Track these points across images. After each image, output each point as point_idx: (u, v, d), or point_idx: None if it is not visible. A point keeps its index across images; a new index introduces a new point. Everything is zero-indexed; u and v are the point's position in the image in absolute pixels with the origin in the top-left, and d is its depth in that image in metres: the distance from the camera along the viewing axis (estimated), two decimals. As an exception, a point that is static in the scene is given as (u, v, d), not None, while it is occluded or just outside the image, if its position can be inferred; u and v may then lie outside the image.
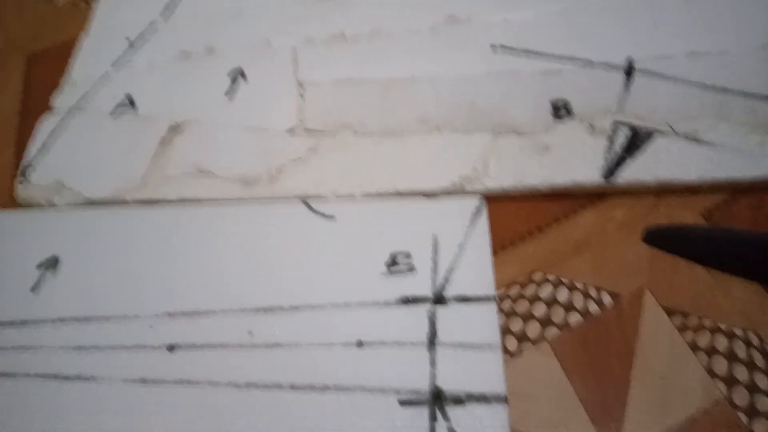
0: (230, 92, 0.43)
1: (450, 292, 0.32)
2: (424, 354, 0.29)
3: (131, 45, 0.47)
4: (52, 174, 0.40)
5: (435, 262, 0.33)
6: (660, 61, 0.40)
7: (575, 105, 0.39)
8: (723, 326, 0.31)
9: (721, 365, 0.29)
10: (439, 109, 0.40)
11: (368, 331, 0.30)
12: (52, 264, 0.35)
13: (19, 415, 0.30)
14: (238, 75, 0.43)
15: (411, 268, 0.32)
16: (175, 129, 0.41)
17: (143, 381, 0.30)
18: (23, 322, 0.33)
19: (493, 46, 0.42)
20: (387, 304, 0.31)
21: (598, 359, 0.30)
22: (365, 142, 0.39)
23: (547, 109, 0.39)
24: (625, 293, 0.32)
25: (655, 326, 0.31)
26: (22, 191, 0.39)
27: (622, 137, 0.37)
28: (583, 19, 0.42)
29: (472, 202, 0.35)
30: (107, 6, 0.51)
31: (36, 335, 0.32)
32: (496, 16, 0.44)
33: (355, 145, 0.39)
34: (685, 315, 0.31)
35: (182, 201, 0.38)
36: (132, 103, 0.43)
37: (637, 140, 0.37)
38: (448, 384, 0.29)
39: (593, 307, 0.32)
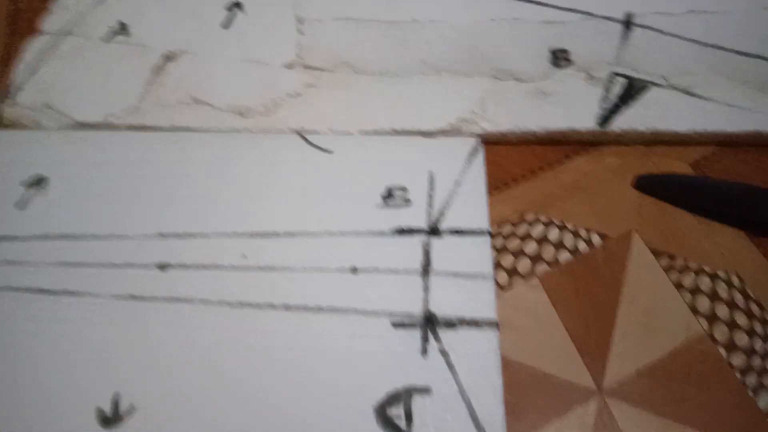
0: (226, 23, 0.42)
1: (445, 225, 0.32)
2: (417, 281, 0.30)
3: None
4: (41, 96, 0.39)
5: (431, 197, 0.33)
6: (659, 16, 0.40)
7: (574, 54, 0.39)
8: (707, 268, 0.32)
9: (703, 303, 0.30)
10: (440, 51, 0.40)
11: (362, 258, 0.31)
12: (39, 183, 0.34)
13: (2, 328, 0.29)
14: (235, 8, 0.43)
15: (407, 201, 0.33)
16: (169, 57, 0.40)
17: (133, 297, 0.30)
18: (8, 238, 0.32)
19: (495, -6, 0.42)
20: (382, 233, 0.32)
21: (585, 295, 0.31)
22: (364, 80, 0.39)
23: (547, 57, 0.39)
24: (614, 234, 0.33)
25: (641, 266, 0.32)
26: (8, 112, 0.38)
27: (617, 87, 0.38)
28: (585, -30, 0.42)
29: (469, 142, 0.36)
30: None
31: (22, 250, 0.32)
32: (500, -35, 0.44)
33: (353, 83, 0.39)
34: (671, 257, 0.32)
35: (174, 129, 0.37)
36: (125, 29, 0.42)
37: (632, 91, 0.37)
38: (441, 309, 0.29)
39: (582, 246, 0.33)
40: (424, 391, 0.27)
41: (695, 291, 0.31)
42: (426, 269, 0.30)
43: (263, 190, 0.34)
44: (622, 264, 0.32)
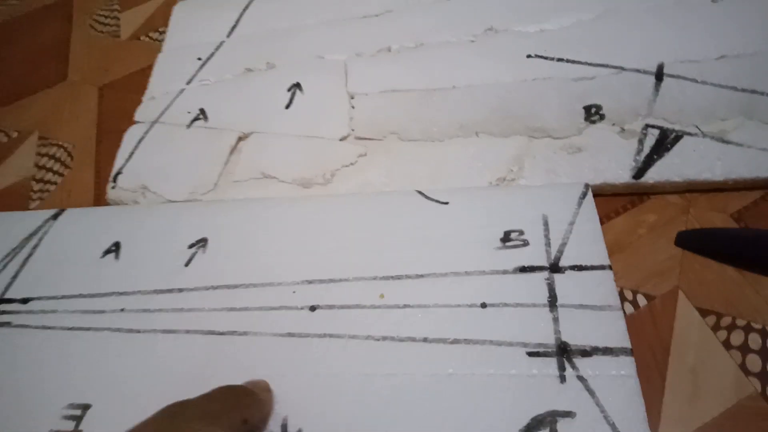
0: (289, 104, 0.48)
1: (564, 262, 0.34)
2: (546, 314, 0.32)
3: (203, 64, 0.53)
4: (137, 179, 0.46)
5: (547, 238, 0.36)
6: (690, 65, 0.41)
7: (606, 109, 0.42)
8: (756, 324, 0.32)
9: (754, 362, 0.31)
10: (477, 115, 0.43)
11: (490, 295, 0.34)
12: (202, 244, 0.40)
13: (181, 363, 0.35)
14: (295, 88, 0.48)
15: (525, 243, 0.36)
16: (241, 138, 0.46)
17: (290, 335, 0.34)
18: (180, 290, 0.38)
19: (528, 55, 0.45)
20: (505, 272, 0.35)
21: (635, 358, 0.32)
22: (409, 146, 0.43)
23: (580, 113, 0.42)
24: (659, 294, 0.34)
25: (688, 325, 0.33)
26: (111, 194, 0.46)
27: (651, 139, 0.40)
28: (614, 27, 0.45)
29: (578, 187, 0.38)
30: (178, 29, 0.57)
31: (191, 300, 0.37)
32: (532, 27, 0.47)
33: (399, 150, 0.43)
34: (718, 315, 0.33)
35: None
36: (205, 115, 0.49)
37: (665, 141, 0.39)
38: (573, 338, 0.31)
39: (629, 308, 0.34)
40: (567, 415, 0.29)
41: (745, 349, 0.32)
42: (553, 303, 0.33)
43: (391, 239, 0.38)
44: (669, 324, 0.33)
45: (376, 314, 0.34)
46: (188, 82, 0.52)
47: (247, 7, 0.57)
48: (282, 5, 0.56)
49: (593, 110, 0.42)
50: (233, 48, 0.54)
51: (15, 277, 0.41)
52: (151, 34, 0.63)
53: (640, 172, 0.38)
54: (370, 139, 0.44)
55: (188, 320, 0.36)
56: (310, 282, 0.36)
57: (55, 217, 0.45)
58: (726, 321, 0.33)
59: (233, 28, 0.55)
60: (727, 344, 0.32)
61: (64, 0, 0.74)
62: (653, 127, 0.40)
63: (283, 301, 0.36)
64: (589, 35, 0.45)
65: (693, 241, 0.36)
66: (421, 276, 0.35)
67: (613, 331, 0.31)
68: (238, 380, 0.32)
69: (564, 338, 0.31)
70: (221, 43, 0.54)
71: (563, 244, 0.35)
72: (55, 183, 0.51)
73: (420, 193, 0.40)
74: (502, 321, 0.33)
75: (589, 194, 0.37)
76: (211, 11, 0.58)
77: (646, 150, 0.39)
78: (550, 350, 0.31)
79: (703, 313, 0.33)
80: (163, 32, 0.61)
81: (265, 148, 0.45)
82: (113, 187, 0.46)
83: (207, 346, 0.35)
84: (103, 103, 0.57)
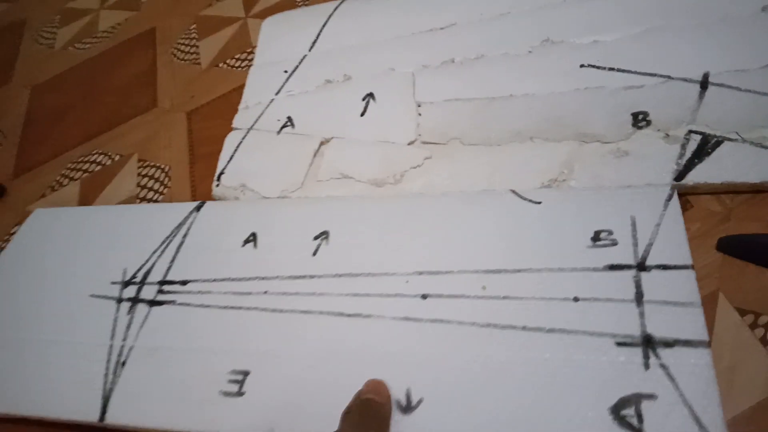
0: (364, 112, 0.54)
1: (651, 261, 0.38)
2: (633, 309, 0.37)
3: (288, 76, 0.61)
4: (237, 178, 0.54)
5: (635, 238, 0.39)
6: (735, 74, 0.44)
7: (653, 115, 0.45)
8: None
9: None
10: (532, 122, 0.48)
11: (582, 290, 0.38)
12: (325, 236, 0.47)
13: (319, 340, 0.41)
14: (369, 98, 0.55)
15: (614, 243, 0.40)
16: (323, 143, 0.54)
17: (406, 319, 0.41)
18: (311, 276, 0.45)
19: (582, 65, 0.50)
20: (595, 269, 0.39)
21: None
22: (469, 150, 0.49)
23: (628, 119, 0.46)
24: (701, 295, 0.36)
25: (727, 325, 0.36)
26: (216, 191, 0.54)
27: (693, 144, 0.43)
28: (663, 39, 0.48)
29: (664, 190, 0.41)
30: (267, 45, 0.65)
31: (321, 285, 0.44)
32: (587, 39, 0.51)
33: (461, 154, 0.49)
34: (756, 314, 0.36)
35: (329, 198, 0.50)
36: (292, 122, 0.56)
37: (706, 146, 0.43)
38: (657, 331, 0.35)
39: None
40: (650, 397, 0.33)
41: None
42: (639, 298, 0.37)
43: (489, 236, 0.43)
44: (710, 324, 0.36)
45: (479, 304, 0.39)
46: (277, 93, 0.60)
47: (326, 23, 0.64)
48: (356, 22, 0.62)
49: (640, 117, 0.46)
50: (314, 62, 0.61)
51: (173, 261, 0.50)
52: (228, 61, 0.71)
53: (681, 175, 0.42)
54: (435, 143, 0.50)
55: (321, 303, 0.43)
56: (420, 273, 0.42)
57: (198, 208, 0.53)
58: (764, 319, 0.36)
59: (314, 42, 0.63)
60: (764, 341, 0.35)
61: (148, 31, 0.84)
62: (696, 132, 0.44)
63: (398, 289, 0.42)
64: (640, 47, 0.49)
65: (733, 247, 0.39)
66: (519, 271, 0.40)
67: (693, 325, 0.35)
68: (366, 356, 0.39)
69: (649, 330, 0.35)
70: (304, 57, 0.62)
71: (650, 244, 0.39)
72: (157, 201, 0.60)
73: (514, 192, 0.44)
74: (593, 314, 0.37)
75: (675, 197, 0.41)
76: (295, 27, 0.65)
77: (688, 154, 0.43)
78: (636, 341, 0.35)
79: (742, 312, 0.36)
80: (239, 58, 0.69)
81: (344, 152, 0.52)
82: (217, 185, 0.55)
83: (338, 325, 0.42)
84: (192, 128, 0.65)
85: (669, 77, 0.46)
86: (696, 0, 0.49)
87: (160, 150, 0.65)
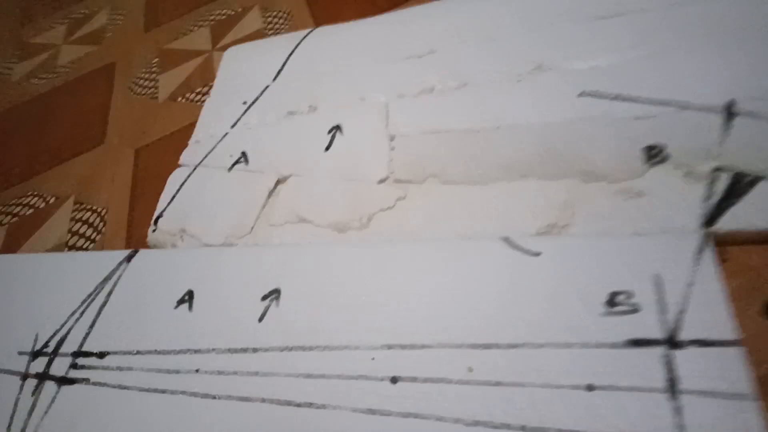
0: (329, 146, 0.47)
1: (685, 335, 0.29)
2: (664, 402, 0.27)
3: (247, 108, 0.53)
4: (177, 222, 0.46)
5: (662, 303, 0.31)
6: (765, 101, 0.37)
7: (670, 150, 0.38)
8: None
9: None
10: (523, 156, 0.41)
11: (597, 374, 0.29)
12: (275, 296, 0.38)
13: None
14: (336, 130, 0.47)
15: (635, 309, 0.31)
16: (280, 181, 0.46)
17: (371, 411, 0.31)
18: (254, 350, 0.36)
19: (581, 94, 0.43)
20: (614, 345, 0.30)
21: None
22: (449, 189, 0.41)
23: (639, 154, 0.38)
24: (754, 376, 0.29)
25: None
26: (152, 237, 0.46)
27: (722, 183, 0.35)
28: (673, 61, 0.41)
29: (694, 238, 0.33)
30: (227, 75, 0.58)
31: (266, 362, 0.35)
32: (584, 64, 0.44)
33: (440, 194, 0.41)
34: None
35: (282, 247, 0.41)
36: (246, 158, 0.48)
37: (739, 186, 0.35)
38: None
39: None
40: None
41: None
42: (672, 387, 0.28)
43: (475, 298, 0.34)
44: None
45: (464, 391, 0.30)
46: (233, 126, 0.52)
47: (294, 50, 0.57)
48: (327, 48, 0.56)
49: (654, 151, 0.38)
50: (278, 92, 0.54)
51: (92, 325, 0.41)
52: (188, 95, 0.64)
53: (710, 220, 0.34)
54: (409, 181, 0.42)
55: (264, 386, 0.34)
56: (389, 347, 0.33)
57: (129, 258, 0.45)
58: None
59: (279, 71, 0.56)
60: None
61: (108, 65, 0.78)
62: (724, 169, 0.36)
63: (362, 369, 0.33)
64: (649, 71, 0.42)
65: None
66: (514, 346, 0.31)
67: (747, 425, 0.25)
68: None
69: None
70: (266, 87, 0.55)
71: (681, 312, 0.30)
72: (88, 249, 0.51)
73: (506, 240, 0.36)
74: (612, 409, 0.28)
75: (710, 247, 0.32)
76: (259, 56, 0.59)
77: (717, 195, 0.35)
78: None
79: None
80: (200, 92, 0.62)
81: (303, 192, 0.44)
82: (154, 230, 0.46)
83: (284, 418, 0.32)
84: (138, 166, 0.58)
85: (687, 105, 0.39)
86: (711, 13, 0.43)
87: (99, 191, 0.57)
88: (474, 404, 0.30)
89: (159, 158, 0.58)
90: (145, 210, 0.51)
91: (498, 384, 0.30)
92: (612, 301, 0.32)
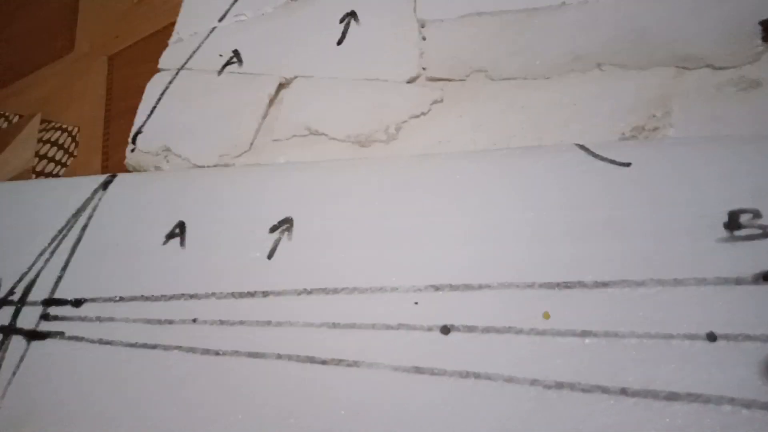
0: (341, 39, 0.37)
1: None
2: None
3: (237, -4, 0.43)
4: (160, 139, 0.37)
5: None
6: None
7: (798, 23, 0.29)
8: None
9: None
10: (598, 41, 0.31)
11: (719, 319, 0.22)
12: (286, 227, 0.30)
13: (272, 406, 0.25)
14: (349, 18, 0.38)
15: (765, 233, 0.23)
16: (283, 85, 0.37)
17: (417, 370, 0.24)
18: (264, 293, 0.29)
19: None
20: (739, 281, 0.23)
21: None
22: (501, 88, 0.32)
23: (755, 31, 0.29)
24: None
25: None
26: (131, 159, 0.38)
27: None
28: None
29: None
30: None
31: (281, 308, 0.28)
32: None
33: (489, 94, 0.32)
34: None
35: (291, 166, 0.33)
36: (239, 58, 0.39)
37: None
38: None
39: None
40: None
41: None
42: None
43: (548, 223, 0.26)
44: None
45: (540, 344, 0.23)
46: (221, 19, 0.42)
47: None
48: None
49: (776, 26, 0.29)
50: (273, -26, 0.43)
51: (65, 268, 0.34)
52: None
53: None
54: (447, 79, 0.34)
55: (279, 339, 0.27)
56: (436, 288, 0.26)
57: (105, 185, 0.37)
58: None
59: (274, -50, 0.45)
60: None
61: None
62: None
63: (402, 316, 0.26)
64: None
65: None
66: (604, 284, 0.24)
67: None
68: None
69: None
70: (259, -30, 0.44)
71: None
72: (58, 176, 0.43)
73: (583, 148, 0.28)
74: (741, 364, 0.21)
75: None
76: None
77: None
78: None
79: None
80: None
81: (312, 97, 0.36)
82: (133, 150, 0.38)
83: (306, 379, 0.26)
84: (113, 77, 0.48)
85: (820, -38, 0.29)
86: None
87: (70, 107, 0.48)
88: (553, 361, 0.23)
89: (136, 66, 0.48)
90: (123, 128, 0.43)
91: (585, 334, 0.23)
92: (733, 223, 0.24)
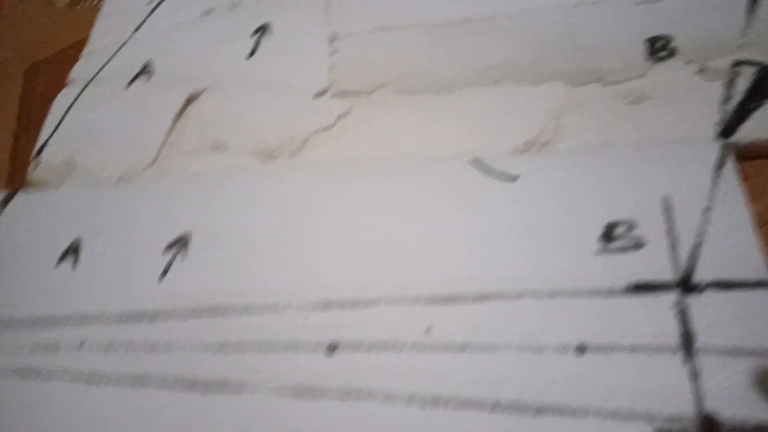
0: (253, 52, 0.37)
1: (701, 275, 0.23)
2: (677, 365, 0.21)
3: (155, 6, 0.42)
4: (65, 152, 0.36)
5: (672, 235, 0.24)
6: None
7: (679, 41, 0.30)
8: None
9: None
10: (496, 56, 0.32)
11: (590, 330, 0.22)
12: (182, 245, 0.29)
13: (150, 427, 0.25)
14: (261, 31, 0.38)
15: (638, 244, 0.24)
16: (191, 98, 0.36)
17: (301, 392, 0.24)
18: (152, 317, 0.28)
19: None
20: (611, 292, 0.23)
21: None
22: (406, 101, 0.32)
23: (642, 48, 0.30)
24: None
25: None
26: (34, 174, 0.36)
27: (744, 81, 0.28)
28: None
29: (710, 152, 0.26)
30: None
31: (168, 330, 0.27)
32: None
33: (393, 107, 0.32)
34: None
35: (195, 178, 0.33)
36: (150, 70, 0.38)
37: (765, 84, 0.27)
38: (726, 408, 0.20)
39: None
40: None
41: None
42: (688, 345, 0.21)
43: (434, 237, 0.26)
44: None
45: (421, 360, 0.23)
46: (136, 30, 0.42)
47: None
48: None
49: (659, 44, 0.30)
50: (190, -15, 0.43)
51: None
52: None
53: (729, 127, 0.27)
54: (355, 93, 0.34)
55: (165, 362, 0.26)
56: (327, 305, 0.26)
57: (4, 203, 0.35)
58: None
59: (193, -39, 0.44)
60: None
61: None
62: (747, 63, 0.28)
63: (291, 332, 0.25)
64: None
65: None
66: (484, 297, 0.24)
67: None
68: None
69: (709, 405, 0.20)
70: (177, -19, 0.43)
71: (697, 245, 0.23)
72: None
73: (475, 163, 0.28)
74: (608, 377, 0.21)
75: (730, 163, 0.25)
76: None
77: (738, 97, 0.28)
78: (688, 428, 0.20)
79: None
80: None
81: (221, 110, 0.35)
82: (37, 165, 0.37)
83: (189, 405, 0.25)
84: (28, 87, 0.47)
85: (700, -16, 0.31)
86: None
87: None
88: (434, 376, 0.23)
89: (54, 77, 0.47)
90: (33, 142, 0.41)
91: (464, 348, 0.23)
92: (608, 235, 0.25)
